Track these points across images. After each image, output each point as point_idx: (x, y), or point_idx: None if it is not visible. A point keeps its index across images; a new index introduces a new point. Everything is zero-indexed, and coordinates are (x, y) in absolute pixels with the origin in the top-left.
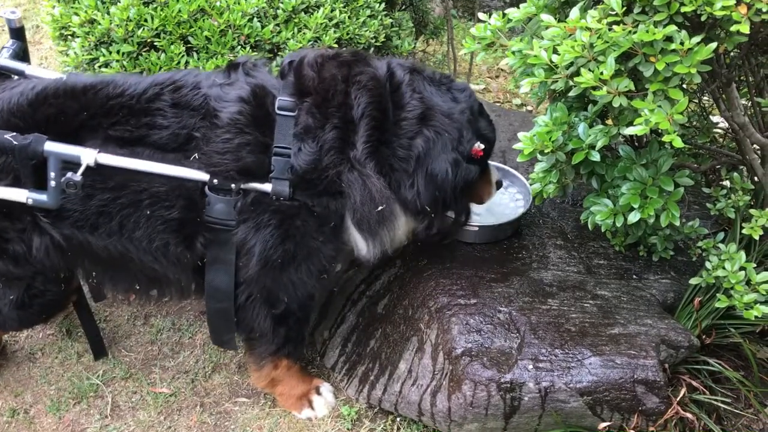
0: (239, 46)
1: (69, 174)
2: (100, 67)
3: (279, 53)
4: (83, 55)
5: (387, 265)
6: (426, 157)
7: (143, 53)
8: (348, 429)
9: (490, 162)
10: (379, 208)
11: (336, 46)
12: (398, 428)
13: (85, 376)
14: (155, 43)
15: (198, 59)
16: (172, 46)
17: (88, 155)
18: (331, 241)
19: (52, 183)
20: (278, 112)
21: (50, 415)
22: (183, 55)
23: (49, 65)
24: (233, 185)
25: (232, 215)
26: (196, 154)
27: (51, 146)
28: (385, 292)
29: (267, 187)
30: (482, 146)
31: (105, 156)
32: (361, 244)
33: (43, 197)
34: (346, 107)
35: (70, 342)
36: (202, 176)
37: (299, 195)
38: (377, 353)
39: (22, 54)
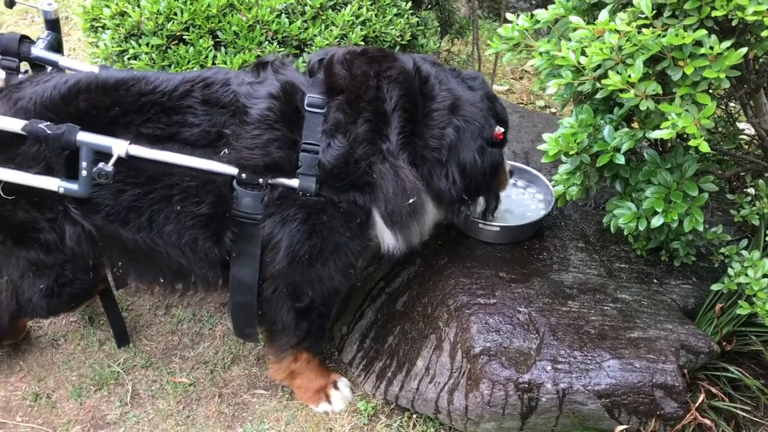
0: (266, 42)
1: (101, 164)
2: (129, 59)
3: (305, 50)
4: (113, 47)
5: (407, 263)
6: (458, 145)
7: (172, 46)
8: (364, 424)
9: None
10: (411, 200)
11: (362, 43)
12: (414, 425)
13: (106, 364)
14: (184, 37)
15: (226, 53)
16: (201, 40)
17: (120, 146)
18: (358, 237)
19: (84, 173)
20: (307, 109)
21: (72, 401)
22: (211, 49)
23: (77, 57)
24: (261, 180)
25: (259, 209)
26: (225, 150)
27: (84, 136)
28: (405, 289)
29: (294, 182)
30: (501, 129)
31: (136, 148)
32: (389, 238)
33: (73, 186)
34: (379, 101)
35: (92, 329)
36: (231, 170)
37: (326, 191)
38: (395, 350)
39: (56, 45)
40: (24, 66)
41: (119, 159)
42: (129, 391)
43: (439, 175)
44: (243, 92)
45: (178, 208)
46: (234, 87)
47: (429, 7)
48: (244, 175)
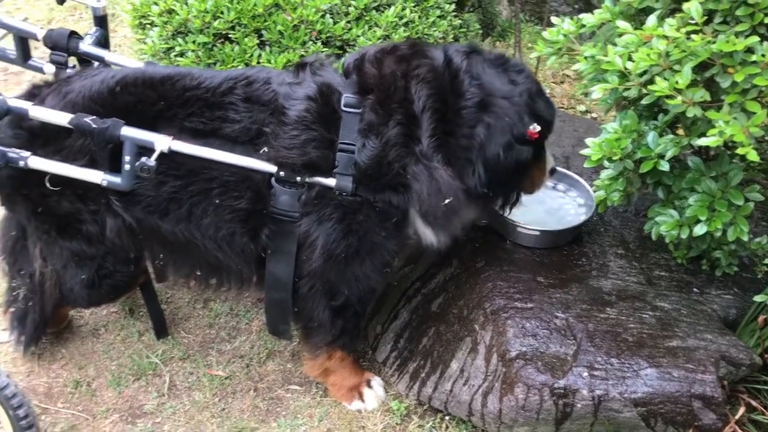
0: (310, 42)
1: (144, 159)
2: (175, 56)
3: (348, 50)
4: (160, 44)
5: (443, 265)
6: (486, 142)
7: (218, 44)
8: (397, 424)
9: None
10: (447, 200)
11: None
12: (447, 427)
13: (145, 355)
14: (230, 35)
15: (270, 53)
16: (246, 39)
17: (163, 141)
18: (394, 236)
19: (127, 167)
20: (344, 109)
21: (111, 389)
22: (256, 48)
23: (123, 53)
24: (299, 178)
25: (296, 207)
26: (265, 148)
27: (127, 131)
28: (440, 291)
29: (331, 181)
30: (538, 128)
31: (178, 143)
32: (429, 236)
33: (117, 180)
34: (407, 102)
35: (132, 320)
36: (270, 168)
37: (362, 190)
38: (429, 351)
39: (103, 41)
40: (72, 61)
41: (161, 153)
42: (166, 382)
43: (469, 173)
44: (282, 92)
45: (217, 201)
46: (274, 86)
47: (471, 9)
48: (282, 173)
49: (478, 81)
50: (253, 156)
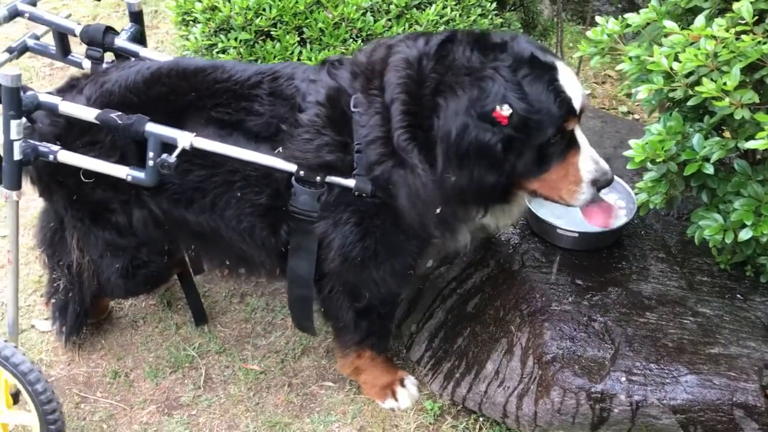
0: (351, 39)
1: (164, 155)
2: (218, 53)
3: None
4: (203, 41)
5: (480, 265)
6: (443, 126)
7: (259, 42)
8: (430, 423)
9: (589, 152)
10: (437, 210)
11: None
12: (480, 428)
13: (182, 347)
14: (271, 33)
15: (311, 50)
16: (287, 36)
17: (185, 139)
18: (416, 237)
19: (150, 162)
20: (353, 110)
21: (148, 381)
22: (297, 46)
23: (165, 49)
24: (318, 178)
25: (316, 207)
26: (280, 148)
27: (151, 127)
28: (477, 291)
29: (350, 182)
30: (508, 111)
31: (200, 140)
32: (445, 239)
33: (141, 175)
34: (382, 92)
35: (170, 313)
36: (290, 167)
37: (380, 192)
38: (464, 351)
39: (139, 37)
40: (110, 57)
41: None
42: (202, 375)
43: (437, 167)
44: (303, 89)
45: (239, 194)
46: (297, 82)
47: (513, 8)
48: (302, 173)
49: (440, 65)
50: (272, 153)
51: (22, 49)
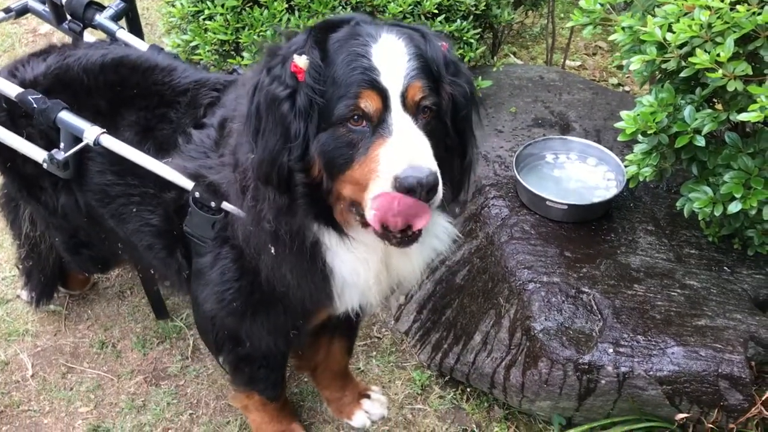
0: (340, 7)
1: (53, 151)
2: (204, 19)
3: (378, 16)
4: (189, 7)
5: (469, 236)
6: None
7: (247, 9)
8: (418, 394)
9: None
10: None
11: (436, 11)
12: (468, 398)
13: (169, 318)
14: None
15: (299, 17)
16: (275, 3)
17: (91, 133)
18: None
19: (61, 153)
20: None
21: (136, 351)
22: (285, 13)
23: (150, 17)
24: (213, 203)
25: (209, 232)
26: (169, 159)
27: (64, 115)
28: (465, 263)
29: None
30: (305, 61)
31: (109, 139)
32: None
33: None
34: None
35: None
36: (188, 184)
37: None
38: (452, 323)
39: (125, 16)
40: (99, 34)
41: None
42: (190, 346)
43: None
44: (218, 104)
45: (135, 210)
46: (223, 94)
47: None
48: (197, 193)
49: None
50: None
51: (22, 10)
